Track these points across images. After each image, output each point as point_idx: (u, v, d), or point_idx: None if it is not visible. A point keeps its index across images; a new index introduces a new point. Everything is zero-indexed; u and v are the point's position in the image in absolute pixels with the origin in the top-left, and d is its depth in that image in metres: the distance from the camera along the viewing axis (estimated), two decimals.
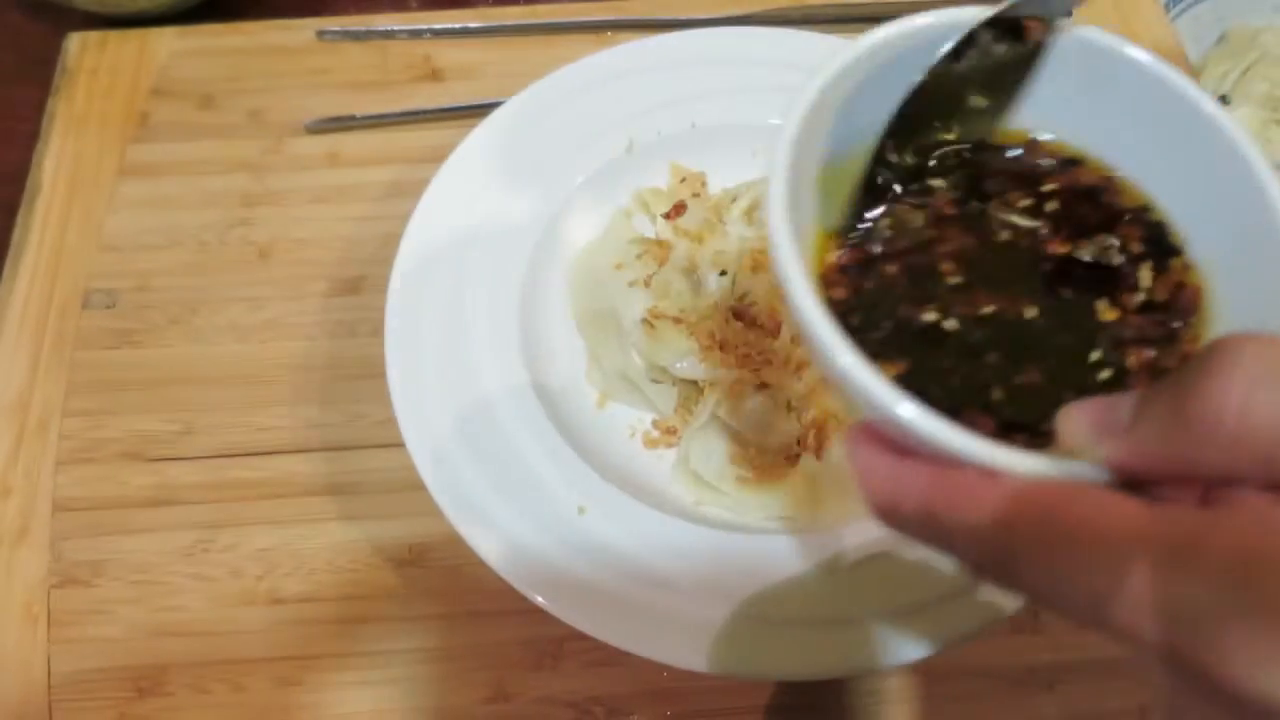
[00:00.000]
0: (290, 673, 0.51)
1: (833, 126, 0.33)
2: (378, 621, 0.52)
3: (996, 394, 0.31)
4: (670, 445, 0.54)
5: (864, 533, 0.48)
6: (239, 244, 0.63)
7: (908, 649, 0.44)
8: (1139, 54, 0.35)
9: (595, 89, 0.61)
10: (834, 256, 0.34)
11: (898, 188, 0.36)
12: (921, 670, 0.51)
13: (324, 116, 0.68)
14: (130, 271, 0.62)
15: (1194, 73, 0.72)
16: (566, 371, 0.56)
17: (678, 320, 0.54)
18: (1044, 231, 0.35)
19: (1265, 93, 0.90)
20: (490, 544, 0.46)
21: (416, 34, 0.72)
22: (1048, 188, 0.36)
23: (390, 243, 0.55)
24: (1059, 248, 0.34)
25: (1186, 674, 0.22)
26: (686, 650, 0.44)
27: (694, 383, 0.54)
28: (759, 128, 0.61)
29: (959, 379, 0.32)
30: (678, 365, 0.53)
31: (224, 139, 0.67)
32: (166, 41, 0.72)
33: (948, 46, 0.34)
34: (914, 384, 0.30)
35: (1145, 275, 0.34)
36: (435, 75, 0.71)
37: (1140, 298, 0.33)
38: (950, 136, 0.37)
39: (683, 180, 0.62)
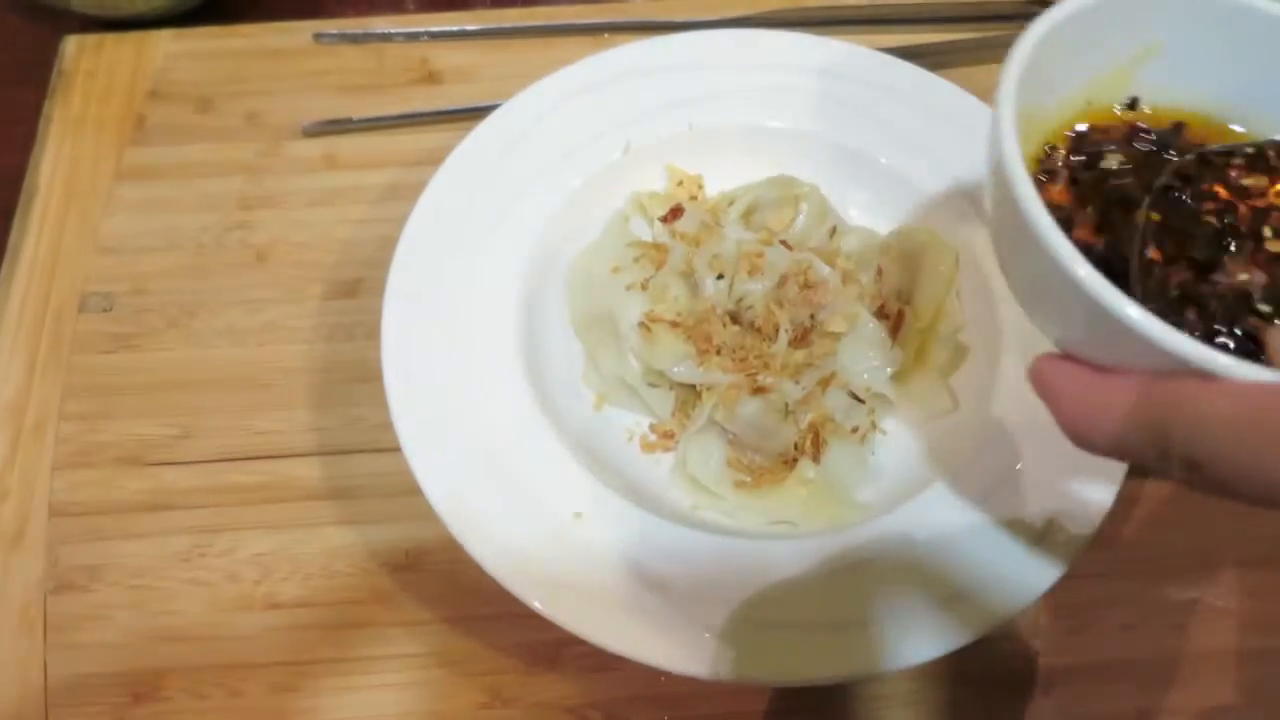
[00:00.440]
0: (287, 678, 0.51)
1: (1040, 72, 0.35)
2: (374, 626, 0.52)
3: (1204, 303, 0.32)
4: (668, 449, 0.54)
5: (862, 537, 0.48)
6: (236, 247, 0.63)
7: (906, 653, 0.44)
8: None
9: (592, 91, 0.61)
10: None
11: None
12: (920, 674, 0.51)
13: (321, 119, 0.68)
14: (127, 275, 0.62)
15: None
16: (563, 375, 0.56)
17: (675, 324, 0.54)
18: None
19: None
20: (487, 548, 0.46)
21: (413, 36, 0.72)
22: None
23: (387, 245, 0.55)
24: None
25: None
26: (684, 655, 0.44)
27: (691, 387, 0.54)
28: (757, 130, 0.61)
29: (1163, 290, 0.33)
30: (675, 369, 0.53)
31: (221, 142, 0.67)
32: (163, 44, 0.72)
33: None
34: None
35: None
36: (432, 78, 0.71)
37: None
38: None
39: (680, 183, 0.62)
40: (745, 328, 0.54)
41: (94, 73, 0.70)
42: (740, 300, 0.54)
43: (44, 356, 0.59)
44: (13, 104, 0.70)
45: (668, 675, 0.44)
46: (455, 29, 0.72)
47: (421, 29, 0.72)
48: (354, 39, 0.72)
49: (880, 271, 0.57)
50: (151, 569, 0.53)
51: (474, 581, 0.47)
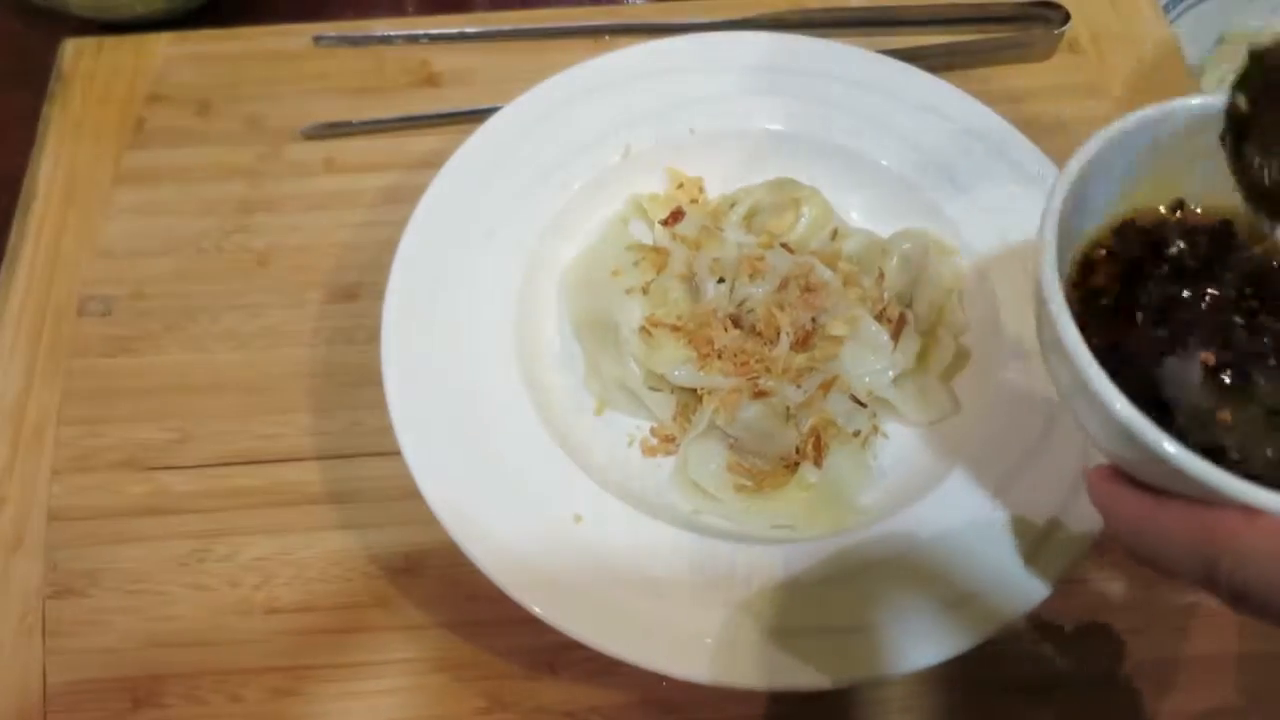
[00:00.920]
0: (287, 683, 0.50)
1: (1074, 203, 0.38)
2: (374, 631, 0.52)
3: (1228, 431, 0.35)
4: (669, 453, 0.54)
5: (863, 541, 0.48)
6: (236, 251, 0.63)
7: (907, 658, 0.44)
8: None
9: (592, 94, 0.61)
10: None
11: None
12: (921, 679, 0.50)
13: (321, 122, 0.68)
14: (126, 278, 0.62)
15: (1193, 75, 0.72)
16: (564, 379, 0.56)
17: (676, 328, 0.54)
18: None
19: None
20: (487, 552, 0.46)
21: (413, 39, 0.72)
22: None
23: (387, 249, 0.54)
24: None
25: None
26: (684, 660, 0.44)
27: (692, 390, 0.54)
28: (757, 133, 0.61)
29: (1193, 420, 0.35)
30: (676, 373, 0.53)
31: (220, 145, 0.67)
32: (163, 47, 0.72)
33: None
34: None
35: None
36: (432, 80, 0.71)
37: None
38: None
39: (680, 186, 0.61)
40: (746, 331, 0.54)
41: (93, 76, 0.70)
42: (741, 304, 0.54)
43: (43, 360, 0.59)
44: (11, 107, 0.70)
45: (668, 680, 0.44)
46: (455, 31, 0.72)
47: (421, 31, 0.72)
48: (354, 42, 0.72)
49: (881, 274, 0.57)
50: (151, 573, 0.53)
51: (474, 586, 0.47)
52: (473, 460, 0.49)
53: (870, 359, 0.53)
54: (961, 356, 0.56)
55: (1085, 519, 0.47)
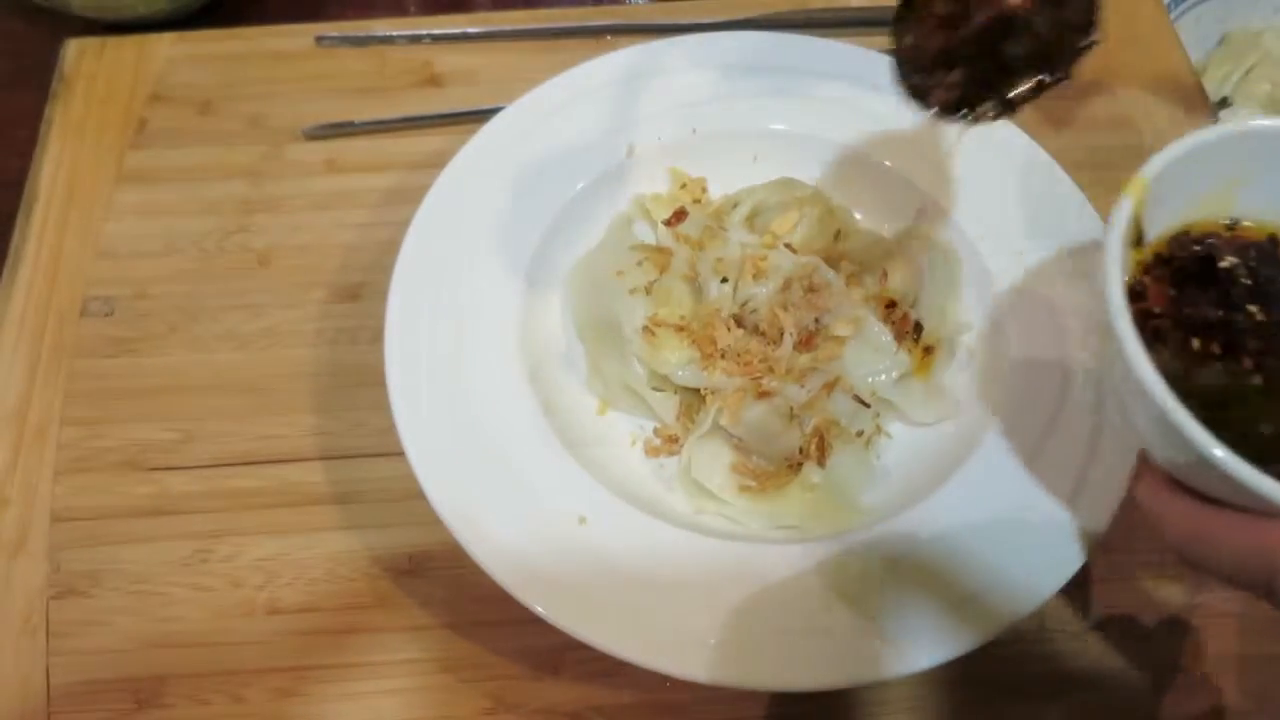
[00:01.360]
0: (289, 683, 0.50)
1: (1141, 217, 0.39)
2: (377, 632, 0.52)
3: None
4: (672, 454, 0.54)
5: (866, 542, 0.48)
6: (238, 251, 0.63)
7: (911, 659, 0.44)
8: None
9: (595, 94, 0.61)
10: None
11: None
12: (924, 679, 0.50)
13: (323, 122, 0.68)
14: (128, 279, 0.62)
15: (1195, 75, 0.72)
16: (567, 379, 0.56)
17: (679, 328, 0.54)
18: None
19: (1267, 94, 0.89)
20: (490, 553, 0.46)
21: (416, 39, 0.72)
22: None
23: (390, 249, 0.54)
24: None
25: None
26: (688, 660, 0.44)
27: (696, 391, 0.54)
28: (760, 133, 0.61)
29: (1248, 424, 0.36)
30: (679, 373, 0.53)
31: (222, 145, 0.67)
32: (165, 47, 0.71)
33: None
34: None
35: None
36: (434, 81, 0.71)
37: None
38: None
39: (683, 186, 0.61)
40: (749, 331, 0.54)
41: (95, 76, 0.70)
42: (744, 304, 0.54)
43: (45, 361, 0.59)
44: (13, 107, 0.70)
45: (672, 680, 0.44)
46: (457, 31, 0.72)
47: (423, 31, 0.72)
48: (356, 42, 0.72)
49: (885, 275, 0.57)
50: (153, 574, 0.53)
51: (477, 586, 0.47)
52: (476, 461, 0.49)
53: (873, 359, 0.53)
54: (964, 357, 0.56)
55: (1089, 518, 0.47)
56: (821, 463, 0.51)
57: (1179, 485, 0.36)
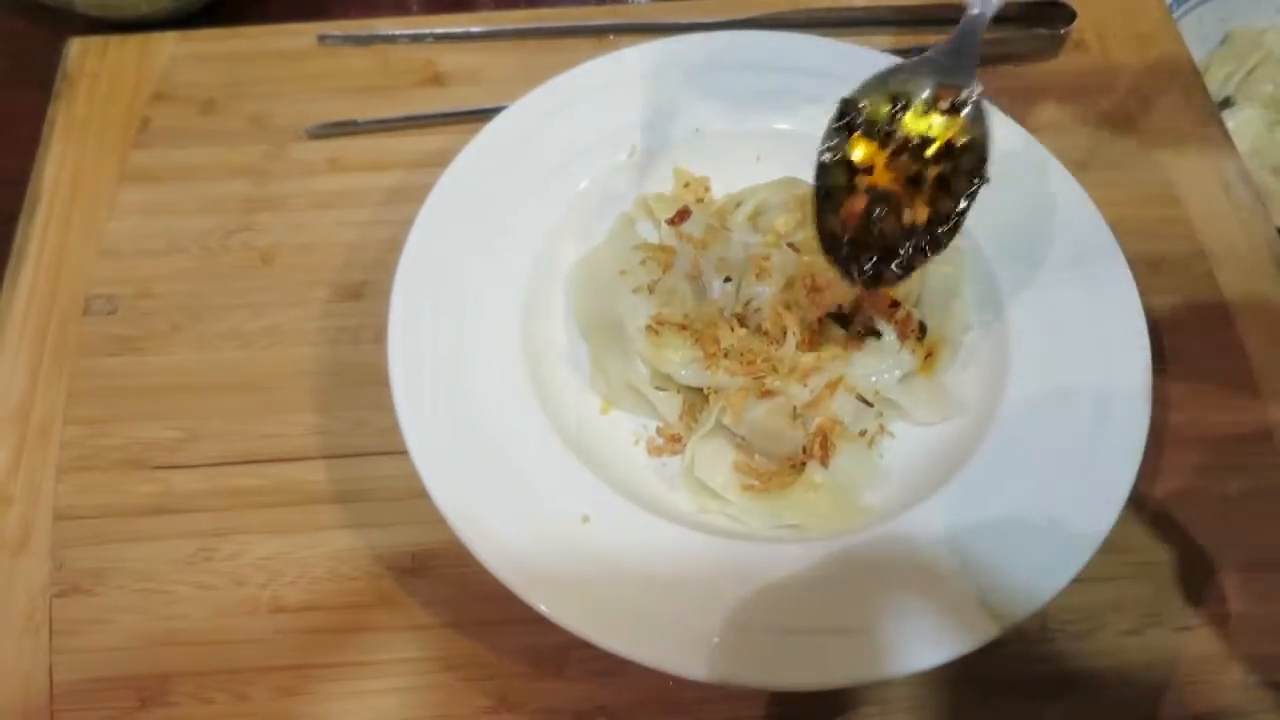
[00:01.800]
0: (293, 682, 0.50)
1: None
2: (380, 630, 0.52)
3: None
4: (675, 453, 0.54)
5: (870, 541, 0.48)
6: (240, 250, 0.63)
7: (914, 658, 0.44)
8: None
9: (598, 93, 0.61)
10: None
11: None
12: (926, 679, 0.50)
13: (326, 121, 0.68)
14: (131, 278, 0.62)
15: (1198, 74, 0.72)
16: (570, 379, 0.56)
17: (682, 327, 0.54)
18: None
19: (1269, 94, 0.89)
20: (493, 552, 0.46)
21: (418, 38, 0.72)
22: None
23: (393, 248, 0.54)
24: None
25: None
26: (691, 659, 0.44)
27: (699, 390, 0.54)
28: (763, 133, 0.61)
29: None
30: (682, 372, 0.53)
31: (225, 144, 0.67)
32: (168, 46, 0.72)
33: None
34: None
35: None
36: (437, 80, 0.71)
37: None
38: None
39: (686, 185, 0.61)
40: (753, 331, 0.54)
41: (98, 75, 0.70)
42: (748, 303, 0.54)
43: (49, 360, 0.59)
44: (16, 106, 0.70)
45: (674, 679, 0.44)
46: (460, 31, 0.72)
47: (426, 30, 0.72)
48: (359, 41, 0.72)
49: None
50: (157, 573, 0.53)
51: (480, 585, 0.47)
52: (479, 460, 0.49)
53: (877, 359, 0.53)
54: (968, 356, 0.56)
55: (1091, 519, 0.47)
56: (825, 462, 0.51)
57: None
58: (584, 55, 0.62)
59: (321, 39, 0.72)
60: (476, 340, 0.53)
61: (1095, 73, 0.71)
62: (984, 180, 0.47)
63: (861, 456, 0.52)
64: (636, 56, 0.62)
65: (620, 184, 0.60)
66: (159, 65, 0.71)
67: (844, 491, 0.51)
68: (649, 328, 0.54)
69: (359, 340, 0.60)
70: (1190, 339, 0.60)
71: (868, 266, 0.48)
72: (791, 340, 0.52)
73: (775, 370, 0.52)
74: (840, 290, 0.54)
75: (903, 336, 0.53)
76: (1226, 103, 0.90)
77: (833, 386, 0.52)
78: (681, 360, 0.53)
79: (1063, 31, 0.70)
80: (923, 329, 0.55)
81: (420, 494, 0.47)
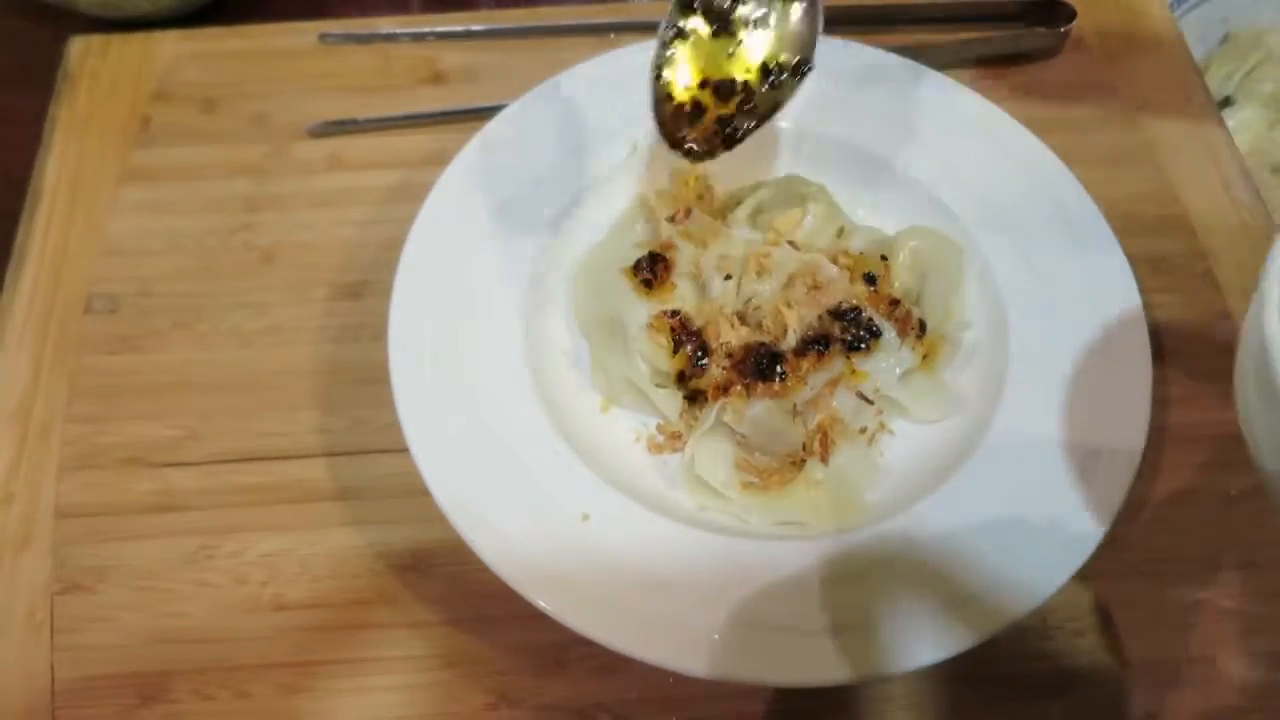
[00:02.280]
0: (294, 679, 0.50)
1: None
2: (381, 628, 0.52)
3: None
4: (675, 450, 0.54)
5: (870, 538, 0.48)
6: (241, 249, 0.63)
7: (914, 656, 0.44)
8: None
9: (599, 92, 0.61)
10: None
11: None
12: (927, 676, 0.50)
13: (326, 120, 0.68)
14: (132, 276, 0.62)
15: (1199, 74, 0.72)
16: (570, 376, 0.56)
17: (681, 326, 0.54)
18: None
19: (1270, 93, 0.89)
20: (494, 548, 0.46)
21: (419, 37, 0.72)
22: None
23: (393, 247, 0.55)
24: None
25: None
26: (691, 656, 0.44)
27: (699, 388, 0.54)
28: (763, 131, 0.61)
29: None
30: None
31: (226, 143, 0.67)
32: (169, 45, 0.72)
33: None
34: None
35: None
36: (438, 78, 0.71)
37: None
38: None
39: (687, 183, 0.61)
40: (753, 328, 0.54)
41: (99, 74, 0.70)
42: (748, 301, 0.54)
43: (50, 358, 0.59)
44: (18, 105, 0.70)
45: (675, 676, 0.44)
46: (461, 29, 0.72)
47: (427, 29, 0.72)
48: (359, 39, 0.72)
49: (884, 259, 0.57)
50: (158, 570, 0.53)
51: (481, 582, 0.47)
52: (480, 457, 0.49)
53: (877, 356, 0.53)
54: (968, 354, 0.56)
55: (1091, 517, 0.47)
56: (825, 459, 0.51)
57: None
58: (584, 54, 0.62)
59: (322, 38, 0.72)
60: (477, 338, 0.53)
61: (1095, 72, 0.71)
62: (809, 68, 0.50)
63: (861, 454, 0.52)
64: (637, 54, 0.62)
65: (621, 182, 0.60)
66: (160, 64, 0.71)
67: (844, 489, 0.51)
68: (650, 325, 0.54)
69: (360, 338, 0.60)
70: (1190, 338, 0.60)
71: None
72: (792, 338, 0.52)
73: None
74: (841, 289, 0.54)
75: (902, 334, 0.54)
76: (1226, 102, 0.90)
77: (833, 384, 0.52)
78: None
79: (1063, 30, 0.71)
80: (922, 326, 0.55)
81: (421, 491, 0.47)
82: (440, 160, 0.58)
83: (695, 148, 0.50)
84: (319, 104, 0.69)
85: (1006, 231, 0.57)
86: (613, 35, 0.72)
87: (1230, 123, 0.84)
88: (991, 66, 0.71)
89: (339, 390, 0.58)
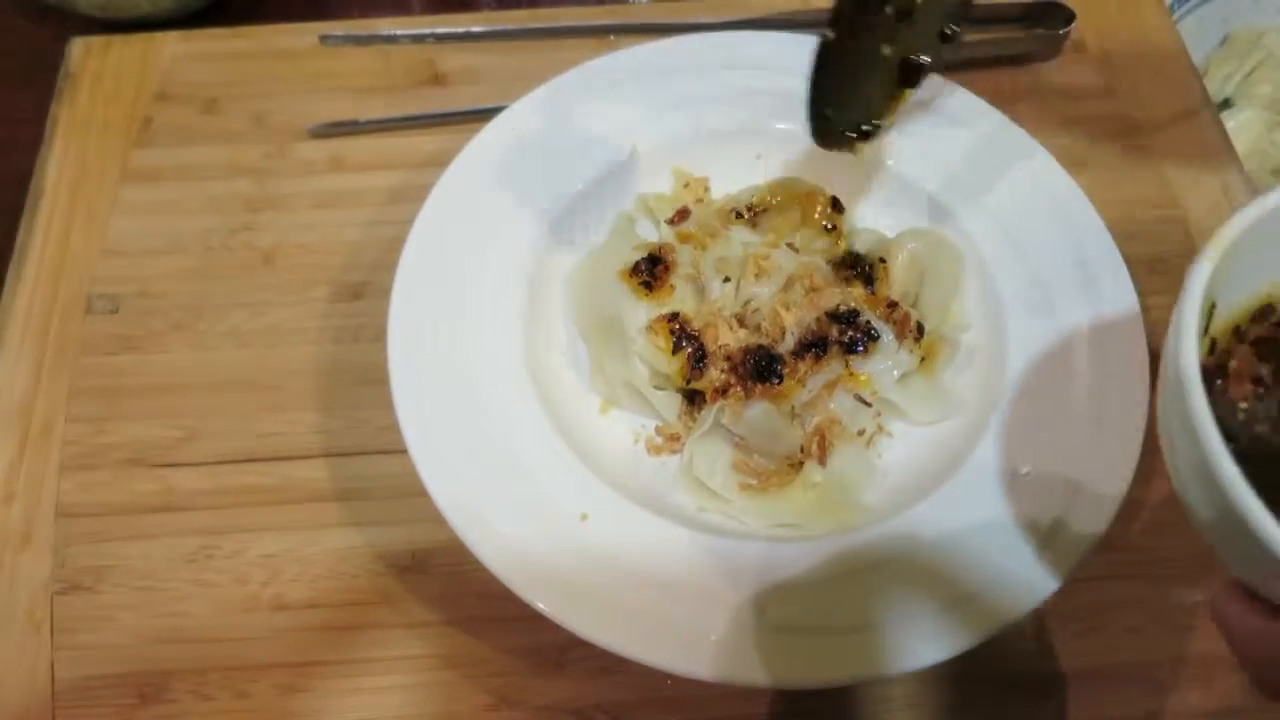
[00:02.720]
0: (293, 679, 0.51)
1: (1221, 278, 0.34)
2: (381, 628, 0.52)
3: None
4: (674, 452, 0.54)
5: (868, 540, 0.48)
6: (242, 249, 0.63)
7: (912, 656, 0.44)
8: None
9: (598, 93, 0.61)
10: None
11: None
12: (925, 677, 0.51)
13: (327, 121, 0.68)
14: (133, 277, 0.62)
15: (1198, 75, 0.72)
16: (570, 378, 0.56)
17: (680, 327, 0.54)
18: None
19: (1269, 95, 0.89)
20: (493, 550, 0.46)
21: (419, 38, 0.72)
22: None
23: (394, 248, 0.55)
24: None
25: None
26: (690, 657, 0.44)
27: (698, 389, 0.54)
28: (763, 132, 0.61)
29: None
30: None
31: (227, 144, 0.68)
32: (170, 46, 0.72)
33: None
34: None
35: None
36: (438, 80, 0.71)
37: None
38: None
39: (686, 185, 0.62)
40: (751, 331, 0.54)
41: (100, 74, 0.70)
42: (747, 303, 0.54)
43: (50, 358, 0.59)
44: (19, 106, 0.71)
45: (673, 678, 0.44)
46: (461, 30, 0.72)
47: (427, 30, 0.72)
48: (360, 41, 0.72)
49: (883, 261, 0.57)
50: (158, 570, 0.53)
51: (480, 583, 0.47)
52: (479, 458, 0.49)
53: (875, 359, 0.53)
54: (966, 356, 0.56)
55: (1089, 518, 0.47)
56: (823, 461, 0.51)
57: (1250, 594, 0.31)
58: (584, 55, 0.63)
59: (323, 39, 0.72)
60: (476, 339, 0.53)
61: (1094, 73, 0.72)
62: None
63: (859, 456, 0.52)
64: (636, 56, 0.62)
65: (620, 184, 0.60)
66: (161, 65, 0.71)
67: (842, 491, 0.51)
68: (648, 327, 0.54)
69: (360, 339, 0.60)
70: None
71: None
72: (790, 340, 0.52)
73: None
74: (839, 291, 0.54)
75: (900, 336, 0.54)
76: (1226, 103, 0.90)
77: (831, 386, 0.52)
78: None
79: (1062, 32, 0.71)
80: (920, 329, 0.55)
81: (421, 492, 0.48)
82: (440, 161, 0.58)
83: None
84: (319, 105, 0.69)
85: (1005, 234, 0.57)
86: (612, 37, 0.72)
87: (1229, 124, 0.84)
88: (990, 68, 0.71)
89: (339, 391, 0.58)
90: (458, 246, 0.55)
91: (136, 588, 0.53)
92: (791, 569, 0.47)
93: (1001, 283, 0.56)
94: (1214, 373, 0.35)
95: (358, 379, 0.58)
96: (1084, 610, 0.52)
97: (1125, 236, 0.56)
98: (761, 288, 0.54)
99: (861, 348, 0.52)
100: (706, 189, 0.62)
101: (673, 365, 0.53)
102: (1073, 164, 0.59)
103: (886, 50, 0.52)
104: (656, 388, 0.54)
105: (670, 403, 0.54)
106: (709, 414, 0.52)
